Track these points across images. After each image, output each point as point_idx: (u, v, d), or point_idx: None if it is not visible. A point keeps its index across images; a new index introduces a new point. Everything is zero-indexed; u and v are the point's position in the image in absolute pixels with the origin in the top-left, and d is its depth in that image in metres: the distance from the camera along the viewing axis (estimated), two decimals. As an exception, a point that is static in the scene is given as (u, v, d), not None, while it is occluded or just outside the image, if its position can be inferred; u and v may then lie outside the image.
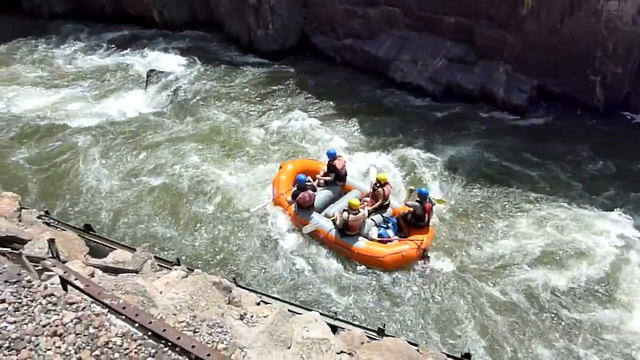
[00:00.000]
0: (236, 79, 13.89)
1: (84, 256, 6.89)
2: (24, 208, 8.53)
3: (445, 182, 10.19)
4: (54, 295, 2.45)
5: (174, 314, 3.44)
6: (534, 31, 12.26)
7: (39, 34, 16.38)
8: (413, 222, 8.52)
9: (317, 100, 13.05)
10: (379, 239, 8.47)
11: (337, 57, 15.04)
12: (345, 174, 9.43)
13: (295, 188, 8.95)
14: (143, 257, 6.58)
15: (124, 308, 2.36)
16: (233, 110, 12.58)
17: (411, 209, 8.42)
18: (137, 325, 2.49)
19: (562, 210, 9.34)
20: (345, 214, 8.26)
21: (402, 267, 8.00)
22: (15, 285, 2.59)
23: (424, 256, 8.14)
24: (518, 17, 12.34)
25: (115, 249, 7.88)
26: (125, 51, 15.46)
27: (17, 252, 5.86)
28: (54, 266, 2.93)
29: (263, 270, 8.11)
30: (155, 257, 7.29)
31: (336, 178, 9.40)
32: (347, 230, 8.30)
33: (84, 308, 2.32)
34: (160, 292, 4.57)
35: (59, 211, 9.36)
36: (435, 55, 13.60)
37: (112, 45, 15.83)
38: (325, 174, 9.44)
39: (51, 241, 4.16)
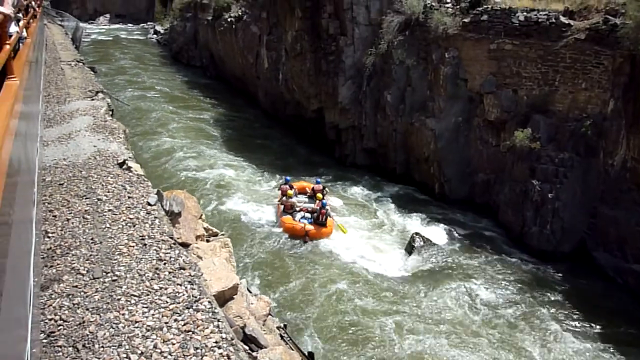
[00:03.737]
0: (496, 269, 13.40)
1: (300, 384, 7.19)
2: (270, 314, 9.64)
3: None
4: None
5: None
6: None
7: (339, 175, 19.55)
8: (317, 220, 14.56)
9: (587, 324, 11.34)
10: (298, 221, 14.69)
11: (618, 279, 13.20)
12: (318, 197, 15.60)
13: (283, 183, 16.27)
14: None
15: None
16: (488, 301, 11.95)
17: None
18: None
19: None
20: (283, 197, 15.33)
21: (293, 235, 14.32)
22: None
23: (305, 236, 14.10)
24: None
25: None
26: (400, 209, 16.89)
27: (253, 354, 6.54)
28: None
29: None
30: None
31: (312, 195, 16.19)
32: (285, 209, 15.04)
33: None
34: None
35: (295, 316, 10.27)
36: None
37: (391, 200, 17.56)
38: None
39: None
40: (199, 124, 25.06)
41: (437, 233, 15.23)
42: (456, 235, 15.25)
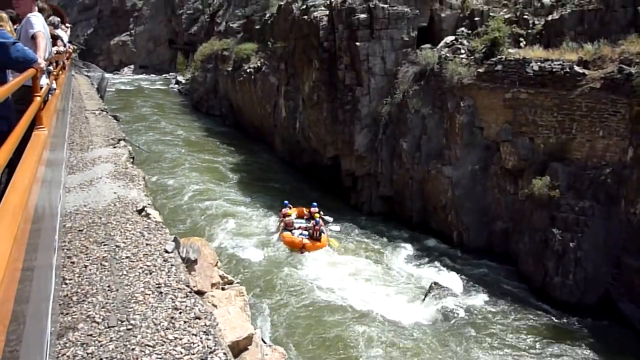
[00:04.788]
0: (518, 321, 12.98)
1: None
2: (285, 366, 9.37)
3: None
4: None
5: None
6: None
7: (355, 222, 19.42)
8: (313, 236, 17.04)
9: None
10: (296, 236, 17.18)
11: (647, 333, 12.64)
12: (314, 218, 17.73)
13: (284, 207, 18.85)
14: None
15: None
16: (509, 354, 11.51)
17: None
18: None
19: None
20: (284, 217, 18.12)
21: (292, 248, 16.86)
22: None
23: (302, 249, 16.61)
24: None
25: None
26: (417, 258, 16.64)
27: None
28: None
29: None
30: None
31: (309, 217, 18.17)
32: (285, 226, 17.74)
33: None
34: None
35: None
36: None
37: (408, 248, 17.30)
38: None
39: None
40: (216, 167, 25.52)
41: (456, 282, 14.88)
42: (475, 284, 14.88)
